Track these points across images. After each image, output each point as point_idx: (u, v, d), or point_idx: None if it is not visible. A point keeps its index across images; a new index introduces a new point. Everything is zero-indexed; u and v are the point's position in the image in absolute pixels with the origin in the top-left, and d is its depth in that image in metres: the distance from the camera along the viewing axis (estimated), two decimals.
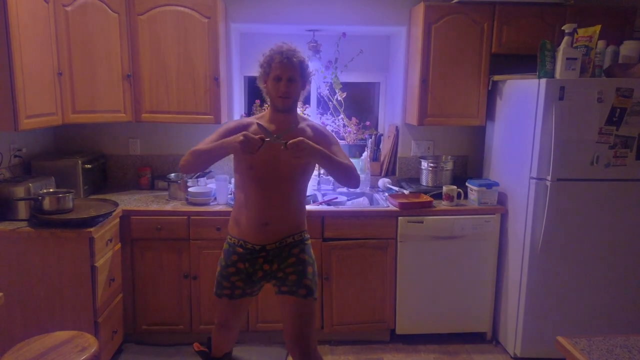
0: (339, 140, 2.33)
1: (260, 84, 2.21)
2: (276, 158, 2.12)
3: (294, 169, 2.16)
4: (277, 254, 2.19)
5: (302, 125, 2.21)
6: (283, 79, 2.08)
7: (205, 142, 2.18)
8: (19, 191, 2.59)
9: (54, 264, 2.52)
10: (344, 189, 3.53)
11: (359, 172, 3.46)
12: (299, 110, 3.61)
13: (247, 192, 2.18)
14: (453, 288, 3.14)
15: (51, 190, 2.73)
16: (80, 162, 3.06)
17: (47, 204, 2.58)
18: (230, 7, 3.32)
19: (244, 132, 1.98)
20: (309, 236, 2.31)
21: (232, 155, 2.20)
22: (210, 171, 3.45)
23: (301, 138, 1.98)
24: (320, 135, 2.23)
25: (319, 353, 2.25)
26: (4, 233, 2.48)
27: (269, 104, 2.23)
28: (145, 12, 3.01)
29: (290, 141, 1.96)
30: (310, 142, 2.01)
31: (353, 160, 3.55)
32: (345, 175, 2.18)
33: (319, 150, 2.05)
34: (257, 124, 2.07)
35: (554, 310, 2.92)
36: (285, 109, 2.15)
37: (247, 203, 2.18)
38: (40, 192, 2.64)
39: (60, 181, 2.93)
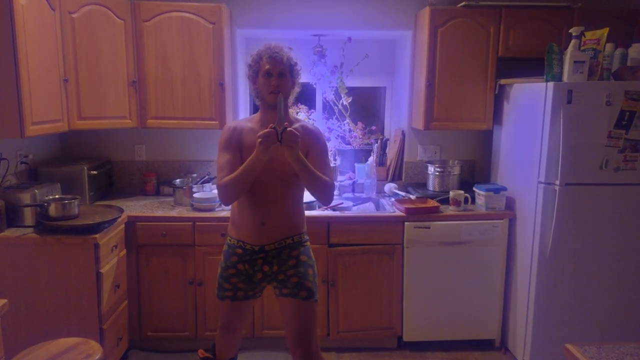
0: (328, 150, 2.28)
1: (250, 86, 2.21)
2: (271, 158, 2.07)
3: (288, 170, 2.12)
4: (277, 255, 2.18)
5: (296, 125, 2.16)
6: (273, 74, 2.08)
7: (222, 165, 2.14)
8: (25, 197, 2.60)
9: (59, 270, 2.52)
10: (350, 194, 3.52)
11: (364, 177, 3.49)
12: (303, 116, 3.63)
13: (246, 193, 2.16)
14: (461, 294, 3.10)
15: (57, 196, 2.73)
16: (86, 168, 3.07)
17: (52, 210, 2.59)
18: (235, 13, 3.32)
19: (258, 134, 1.95)
20: (308, 238, 2.29)
21: None
22: (215, 177, 3.45)
23: (297, 133, 1.95)
24: (312, 137, 2.19)
25: (321, 356, 2.24)
26: (11, 239, 2.48)
27: (259, 105, 2.19)
28: (151, 19, 3.03)
29: (288, 129, 1.92)
30: (298, 150, 1.99)
31: (359, 166, 3.58)
32: (320, 191, 2.14)
33: (302, 159, 2.02)
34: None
35: (564, 317, 2.87)
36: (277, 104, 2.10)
37: (244, 203, 2.17)
38: (46, 198, 2.64)
39: (66, 187, 2.94)
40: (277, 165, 2.12)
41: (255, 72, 2.13)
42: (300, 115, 3.65)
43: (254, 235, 2.17)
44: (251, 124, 2.19)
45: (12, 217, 2.59)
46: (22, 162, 2.91)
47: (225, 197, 2.13)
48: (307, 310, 2.18)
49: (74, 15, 2.81)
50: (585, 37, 2.78)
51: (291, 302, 2.18)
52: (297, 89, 2.22)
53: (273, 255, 2.18)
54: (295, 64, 2.16)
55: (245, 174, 2.03)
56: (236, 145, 2.15)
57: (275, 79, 2.08)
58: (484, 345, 3.21)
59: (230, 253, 2.22)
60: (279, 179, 2.15)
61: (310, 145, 2.18)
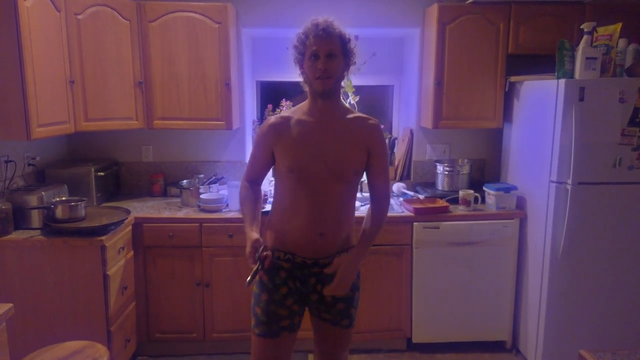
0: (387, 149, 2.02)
1: (299, 70, 1.88)
2: (322, 157, 1.81)
3: (345, 169, 1.84)
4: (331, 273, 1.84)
5: (351, 116, 1.89)
6: (321, 55, 1.76)
7: (250, 160, 1.98)
8: (32, 200, 2.59)
9: (66, 273, 2.51)
10: (358, 194, 3.48)
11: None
12: None
13: (295, 197, 1.84)
14: (471, 295, 3.06)
15: (64, 198, 2.73)
16: (93, 169, 3.06)
17: (59, 212, 2.58)
18: (241, 12, 3.30)
19: (250, 249, 1.75)
20: None
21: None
22: (222, 177, 3.43)
23: (337, 282, 1.77)
24: (375, 135, 1.89)
25: None
26: (18, 242, 2.48)
27: (308, 92, 1.89)
28: (157, 19, 3.01)
29: (329, 290, 1.77)
30: (349, 266, 1.79)
31: None
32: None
33: (359, 260, 1.84)
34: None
35: (577, 319, 2.82)
36: (326, 91, 1.80)
37: (295, 210, 1.84)
38: (53, 200, 2.64)
39: (73, 189, 2.94)
40: (331, 164, 1.82)
41: (301, 53, 1.81)
42: None
43: (308, 248, 1.84)
44: (298, 115, 1.88)
45: (20, 219, 2.59)
46: (29, 164, 2.91)
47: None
48: (345, 339, 1.96)
49: (79, 17, 2.80)
50: (597, 32, 2.73)
51: (331, 330, 1.92)
52: (352, 68, 1.88)
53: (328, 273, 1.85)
54: (349, 40, 1.82)
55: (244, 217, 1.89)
56: (269, 145, 1.87)
57: (322, 62, 1.75)
58: (494, 346, 3.16)
59: (277, 267, 1.86)
60: (335, 174, 1.83)
61: (374, 144, 1.88)
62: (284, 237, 1.88)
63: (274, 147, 1.88)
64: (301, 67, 1.85)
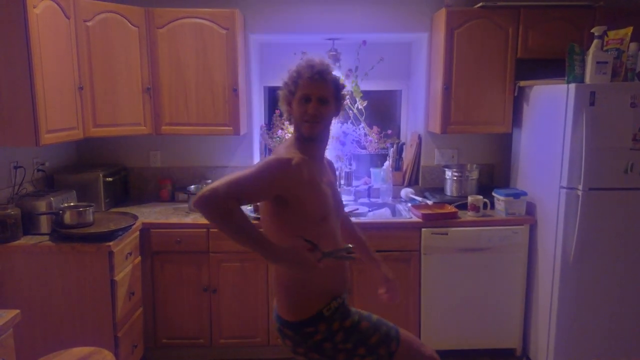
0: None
1: (282, 107, 1.81)
2: (337, 201, 1.87)
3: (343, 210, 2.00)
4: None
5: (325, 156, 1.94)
6: (313, 99, 1.69)
7: (248, 190, 1.58)
8: (41, 205, 2.60)
9: (74, 278, 2.51)
10: (366, 200, 3.47)
11: (380, 182, 3.44)
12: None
13: (327, 245, 1.69)
14: (480, 302, 3.02)
15: (72, 204, 2.74)
16: (101, 175, 3.07)
17: (67, 218, 2.59)
18: (248, 18, 3.30)
19: (305, 254, 1.59)
20: None
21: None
22: None
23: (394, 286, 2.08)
24: (333, 170, 2.05)
25: None
26: (27, 247, 2.49)
27: (294, 132, 1.81)
28: (165, 25, 3.02)
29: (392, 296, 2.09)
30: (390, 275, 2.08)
31: (375, 170, 3.54)
32: None
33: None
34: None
35: (588, 326, 2.77)
36: (312, 136, 1.72)
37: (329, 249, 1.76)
38: (61, 206, 2.65)
39: (82, 194, 2.95)
40: (338, 198, 1.91)
41: (291, 92, 1.74)
42: None
43: (343, 289, 1.83)
44: (304, 155, 1.70)
45: (28, 224, 2.60)
46: (38, 170, 2.93)
47: (217, 218, 1.53)
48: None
49: (88, 24, 2.82)
50: (608, 36, 2.70)
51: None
52: (341, 114, 1.88)
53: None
54: (342, 87, 1.79)
55: (252, 244, 1.56)
56: (284, 187, 1.63)
57: (313, 107, 1.69)
58: (504, 354, 3.12)
59: (329, 335, 1.73)
60: (339, 216, 1.91)
61: (334, 175, 2.08)
62: (327, 293, 1.75)
63: (289, 192, 1.63)
64: (289, 105, 1.77)
